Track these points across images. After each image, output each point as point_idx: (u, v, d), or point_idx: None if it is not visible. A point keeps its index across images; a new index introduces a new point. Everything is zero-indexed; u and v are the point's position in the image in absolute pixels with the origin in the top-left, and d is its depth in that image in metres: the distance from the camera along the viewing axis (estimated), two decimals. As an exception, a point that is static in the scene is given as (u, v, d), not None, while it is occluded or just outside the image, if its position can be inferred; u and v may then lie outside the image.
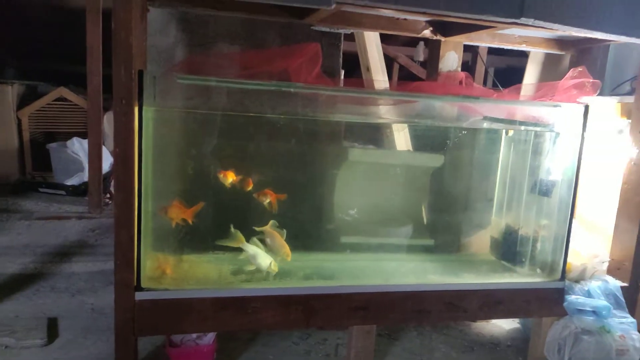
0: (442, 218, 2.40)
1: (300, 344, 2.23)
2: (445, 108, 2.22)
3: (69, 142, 4.56)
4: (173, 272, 1.90)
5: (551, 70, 2.91)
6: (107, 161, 4.45)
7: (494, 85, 3.06)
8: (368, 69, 2.87)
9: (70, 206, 4.28)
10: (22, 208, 4.15)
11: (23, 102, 4.88)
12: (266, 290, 1.86)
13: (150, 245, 1.89)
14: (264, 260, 1.92)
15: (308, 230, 2.23)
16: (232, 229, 1.93)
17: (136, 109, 1.64)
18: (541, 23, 1.83)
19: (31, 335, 2.12)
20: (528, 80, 2.91)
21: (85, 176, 4.45)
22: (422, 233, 2.34)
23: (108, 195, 4.40)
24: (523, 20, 1.81)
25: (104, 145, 4.37)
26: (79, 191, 4.47)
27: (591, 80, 2.13)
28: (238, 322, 1.84)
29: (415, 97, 1.99)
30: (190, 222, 1.92)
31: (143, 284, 1.74)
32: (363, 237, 2.28)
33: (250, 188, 2.01)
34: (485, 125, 2.26)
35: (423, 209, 2.40)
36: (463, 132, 2.36)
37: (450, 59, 2.53)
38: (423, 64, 4.10)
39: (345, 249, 2.24)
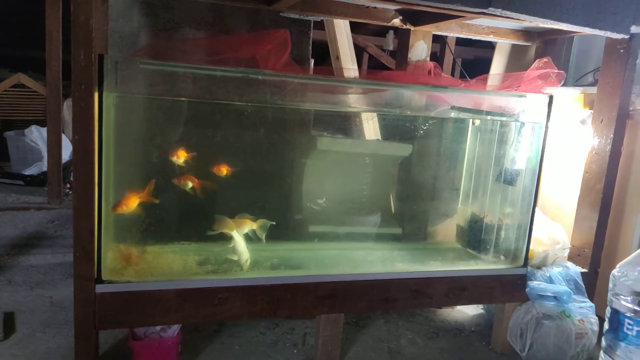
0: (409, 207, 2.41)
1: (267, 333, 2.21)
2: (413, 97, 2.21)
3: (27, 131, 4.40)
4: (136, 264, 1.84)
5: (517, 61, 2.96)
6: (67, 150, 4.29)
7: (462, 76, 3.09)
8: (338, 58, 2.85)
9: (28, 197, 4.12)
10: (-23, 199, 3.98)
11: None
12: (232, 280, 1.83)
13: (112, 236, 1.83)
14: (245, 253, 1.90)
15: (276, 219, 2.21)
16: (218, 216, 1.89)
17: (96, 95, 1.58)
18: (508, 13, 1.85)
19: (-14, 330, 2.03)
20: (495, 70, 2.94)
21: (44, 166, 4.30)
22: (390, 222, 2.35)
23: (68, 186, 4.25)
24: (491, 10, 1.82)
25: (63, 133, 4.23)
26: (38, 181, 4.32)
27: (556, 71, 2.16)
28: (203, 314, 1.81)
29: (384, 86, 1.98)
30: (149, 201, 1.85)
31: (104, 277, 1.69)
32: (331, 226, 2.27)
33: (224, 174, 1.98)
34: (453, 114, 2.27)
35: (391, 198, 2.41)
36: (431, 121, 2.37)
37: (419, 49, 2.53)
38: (392, 54, 4.09)
39: (314, 239, 2.23)
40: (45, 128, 4.07)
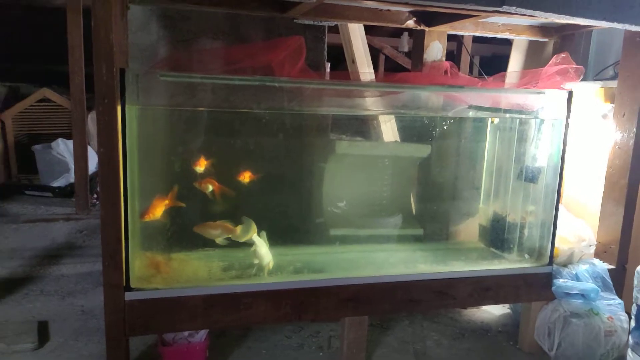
0: (430, 207, 2.41)
1: (292, 337, 2.23)
2: (431, 98, 2.22)
3: (53, 144, 4.51)
4: (162, 271, 1.89)
5: (535, 57, 2.92)
6: (93, 161, 4.39)
7: (479, 74, 3.07)
8: (353, 62, 2.86)
9: (57, 208, 4.23)
10: (8, 212, 4.09)
11: (5, 104, 4.81)
12: (257, 285, 1.86)
13: (139, 244, 1.87)
14: (267, 256, 1.93)
15: (297, 223, 2.23)
16: (245, 218, 1.92)
17: (119, 108, 1.63)
18: (523, 10, 1.84)
19: (22, 339, 2.10)
20: (513, 67, 2.92)
21: (71, 177, 4.40)
22: (411, 223, 2.35)
23: (95, 196, 4.35)
24: (505, 8, 1.82)
25: (89, 145, 4.33)
26: (66, 192, 4.42)
27: (574, 66, 2.14)
28: (229, 319, 1.84)
29: (401, 88, 1.99)
30: (176, 205, 1.90)
31: (132, 284, 1.73)
32: (352, 229, 2.28)
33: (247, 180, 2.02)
34: (471, 114, 2.27)
35: (411, 199, 2.41)
36: (449, 121, 2.37)
37: (435, 49, 2.53)
38: (408, 55, 4.08)
39: (335, 242, 2.25)
40: (71, 140, 4.19)
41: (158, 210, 1.83)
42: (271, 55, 1.91)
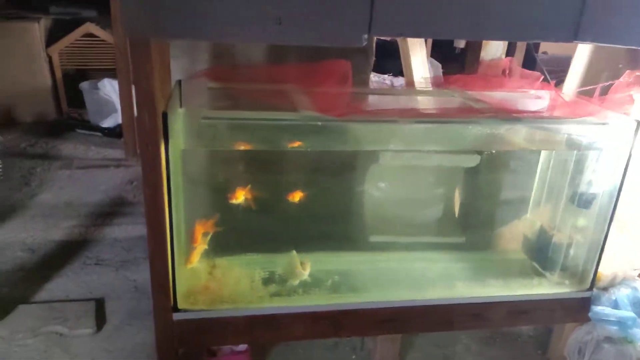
0: (474, 219, 2.36)
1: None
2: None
3: (100, 84, 4.55)
4: (206, 292, 1.99)
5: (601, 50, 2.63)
6: (138, 102, 4.42)
7: (542, 72, 2.80)
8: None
9: (107, 150, 4.38)
10: (61, 153, 4.28)
11: (51, 37, 4.80)
12: (295, 308, 1.95)
13: (185, 270, 1.96)
14: (301, 273, 2.02)
15: (338, 230, 2.26)
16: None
17: (163, 151, 1.62)
18: (600, 44, 1.64)
19: (82, 322, 2.30)
20: (576, 64, 2.64)
21: (119, 118, 4.49)
22: (452, 233, 2.33)
23: (143, 138, 4.44)
24: (578, 41, 1.63)
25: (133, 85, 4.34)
26: (115, 133, 4.54)
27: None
28: (270, 336, 1.97)
29: (443, 122, 1.86)
30: (215, 230, 1.98)
31: (179, 306, 1.85)
32: (392, 237, 2.29)
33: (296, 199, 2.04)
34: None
35: (455, 210, 2.36)
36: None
37: (494, 46, 2.32)
38: (463, 51, 3.71)
39: (374, 249, 2.27)
40: (117, 81, 4.21)
41: (201, 238, 1.90)
42: (314, 80, 1.82)
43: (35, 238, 2.99)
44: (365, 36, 1.48)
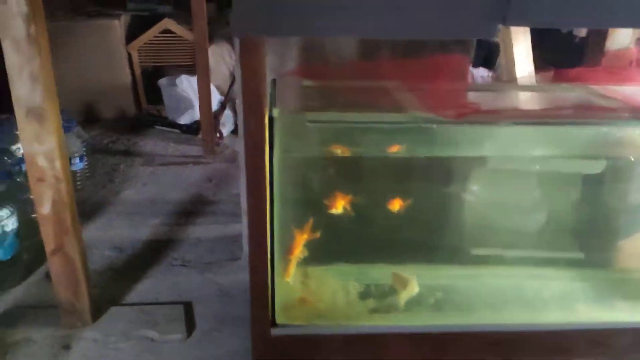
0: (594, 231, 2.12)
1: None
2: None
3: (177, 80, 4.57)
4: (303, 299, 1.90)
5: None
6: (214, 98, 4.42)
7: None
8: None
9: (185, 147, 4.41)
10: (142, 150, 4.34)
11: (130, 33, 4.89)
12: (396, 327, 1.82)
13: (283, 284, 1.88)
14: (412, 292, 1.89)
15: (441, 242, 2.10)
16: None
17: (267, 158, 1.53)
18: None
19: (172, 327, 2.26)
20: None
21: (196, 114, 4.51)
22: (569, 246, 2.11)
23: (218, 135, 4.44)
24: None
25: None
26: (192, 130, 4.57)
27: None
28: (367, 355, 1.85)
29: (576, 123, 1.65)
30: (311, 237, 1.88)
31: (277, 320, 1.77)
32: (500, 250, 2.10)
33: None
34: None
35: (572, 220, 2.14)
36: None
37: (622, 34, 2.06)
38: (584, 40, 3.38)
39: (479, 263, 2.09)
40: (194, 78, 4.22)
41: (300, 247, 1.80)
42: (425, 78, 1.66)
43: (122, 236, 3.01)
44: (500, 27, 1.31)
